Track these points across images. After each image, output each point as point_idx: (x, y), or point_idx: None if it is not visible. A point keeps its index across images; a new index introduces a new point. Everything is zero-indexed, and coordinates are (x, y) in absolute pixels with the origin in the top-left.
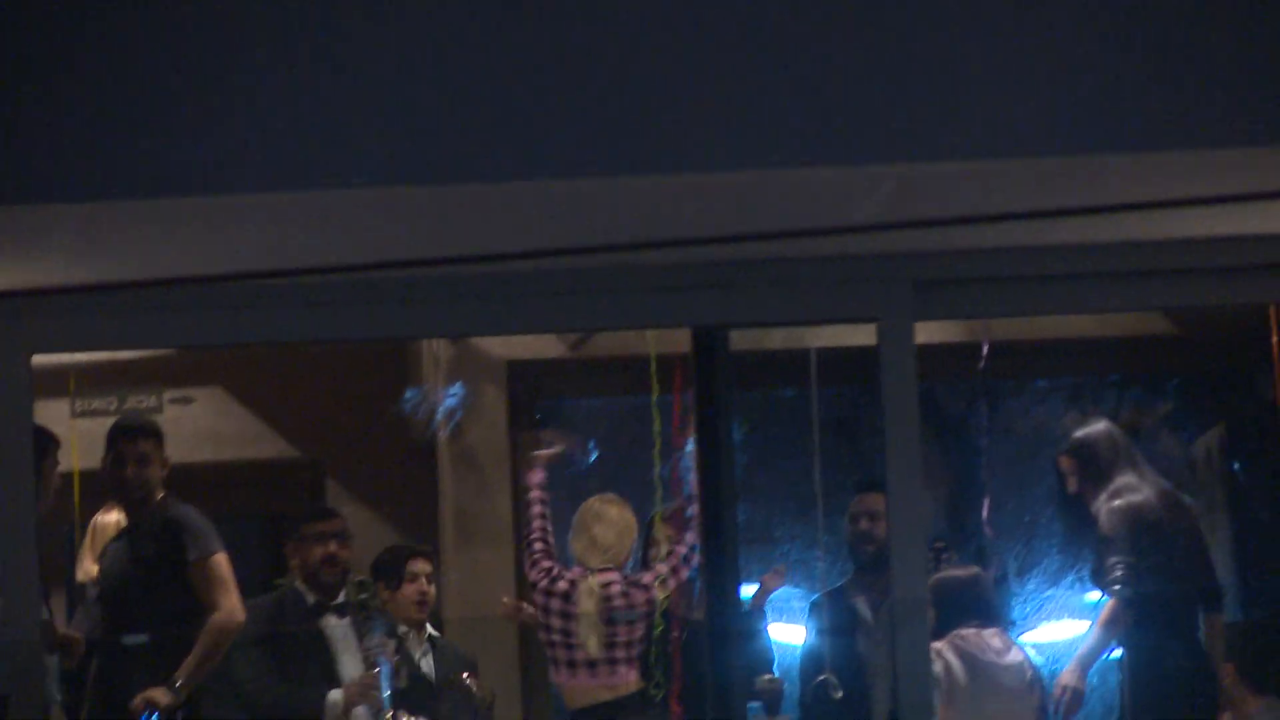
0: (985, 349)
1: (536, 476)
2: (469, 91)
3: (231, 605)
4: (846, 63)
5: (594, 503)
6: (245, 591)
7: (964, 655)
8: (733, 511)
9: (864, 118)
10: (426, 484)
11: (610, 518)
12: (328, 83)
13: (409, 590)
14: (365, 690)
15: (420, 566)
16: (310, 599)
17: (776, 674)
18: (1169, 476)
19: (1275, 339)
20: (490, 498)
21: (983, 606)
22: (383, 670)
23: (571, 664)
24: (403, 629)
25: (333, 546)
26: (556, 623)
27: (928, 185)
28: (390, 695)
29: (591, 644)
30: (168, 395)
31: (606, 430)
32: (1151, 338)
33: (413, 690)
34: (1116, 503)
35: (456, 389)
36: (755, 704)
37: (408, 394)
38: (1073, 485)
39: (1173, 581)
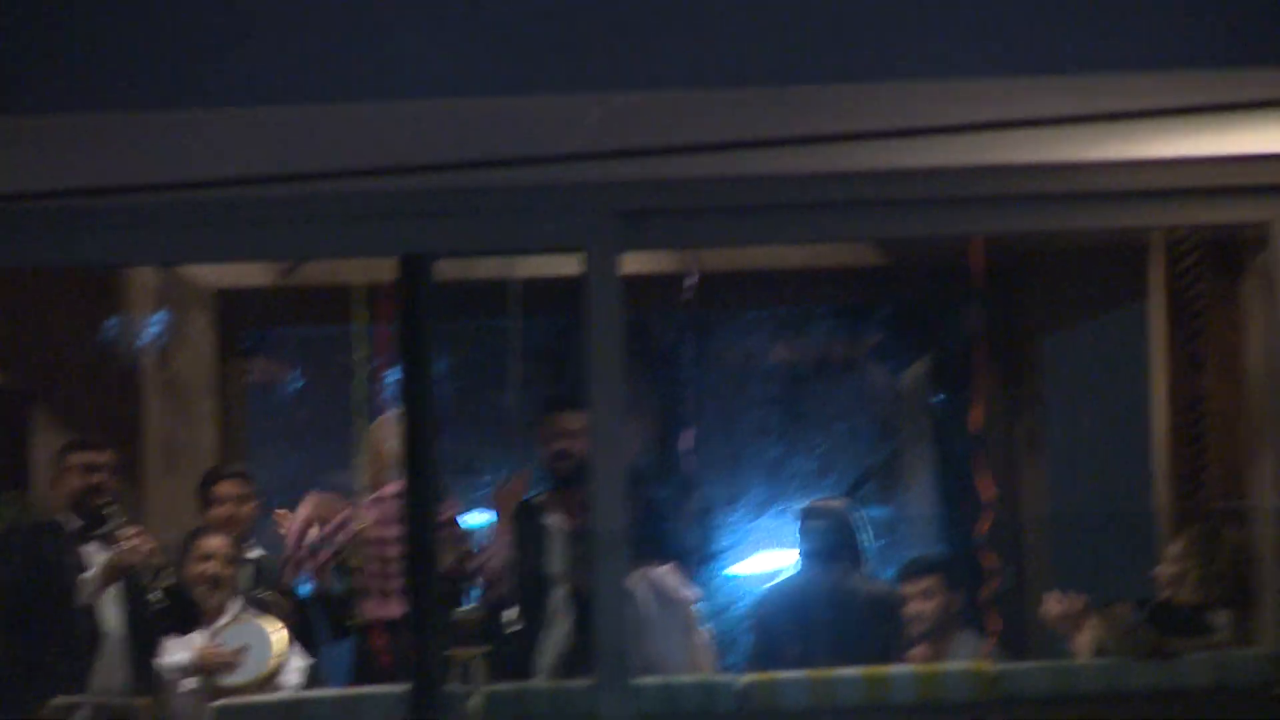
0: (693, 279)
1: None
2: (156, 12)
3: None
4: None
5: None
6: None
7: (655, 590)
8: (435, 440)
9: (571, 47)
10: (130, 412)
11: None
12: None
13: (216, 513)
14: (124, 558)
15: (226, 489)
16: (68, 526)
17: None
18: (878, 407)
19: (978, 271)
20: (196, 426)
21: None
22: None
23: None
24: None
25: (100, 477)
26: None
27: (633, 114)
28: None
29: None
30: None
31: (313, 359)
32: (859, 269)
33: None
34: None
35: (162, 316)
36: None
37: (113, 321)
38: None
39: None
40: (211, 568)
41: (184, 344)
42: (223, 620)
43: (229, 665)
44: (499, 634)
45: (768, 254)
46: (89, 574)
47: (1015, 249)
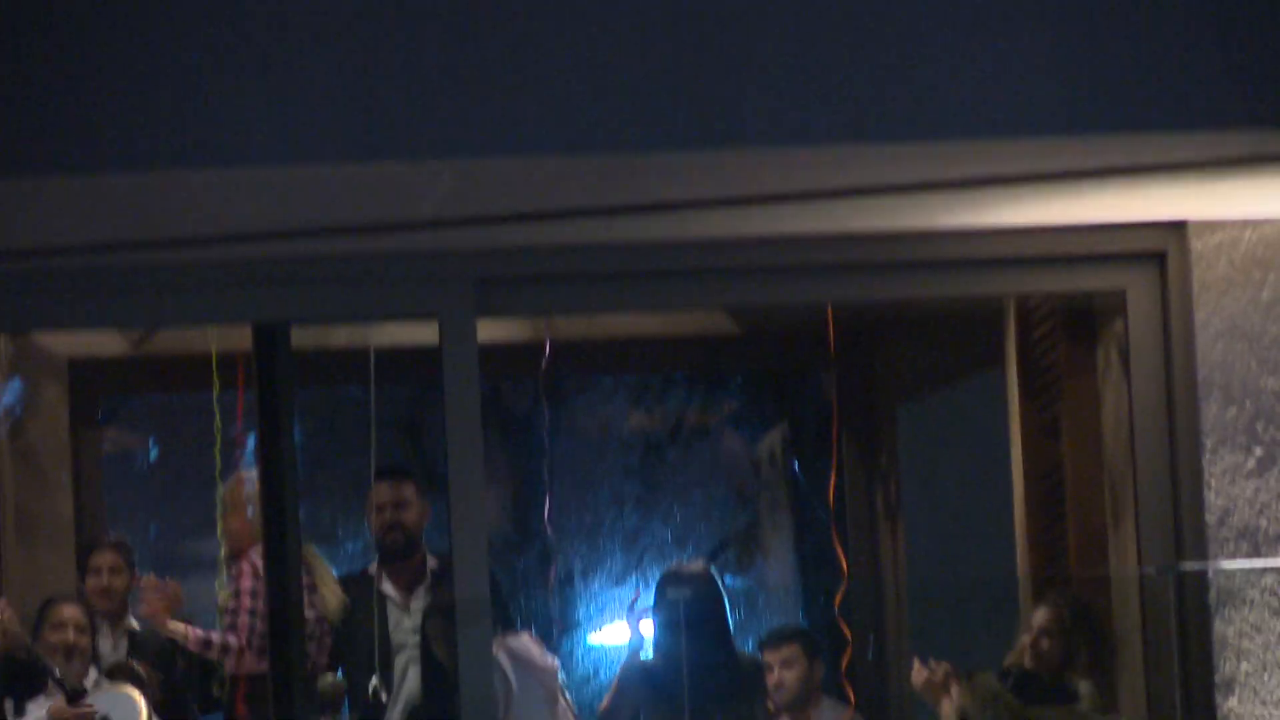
0: (548, 347)
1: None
2: None
3: None
4: (406, 59)
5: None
6: None
7: (514, 658)
8: (295, 509)
9: (424, 112)
10: None
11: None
12: None
13: (91, 584)
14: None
15: (100, 559)
16: None
17: (340, 676)
18: (735, 476)
19: (833, 339)
20: (51, 496)
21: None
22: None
23: None
24: (98, 621)
25: None
26: None
27: (487, 181)
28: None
29: None
30: None
31: (169, 427)
32: (714, 337)
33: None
34: None
35: (14, 385)
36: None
37: None
38: None
39: None
40: (68, 637)
41: (37, 413)
42: (85, 686)
43: None
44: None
45: (623, 321)
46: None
47: (869, 316)
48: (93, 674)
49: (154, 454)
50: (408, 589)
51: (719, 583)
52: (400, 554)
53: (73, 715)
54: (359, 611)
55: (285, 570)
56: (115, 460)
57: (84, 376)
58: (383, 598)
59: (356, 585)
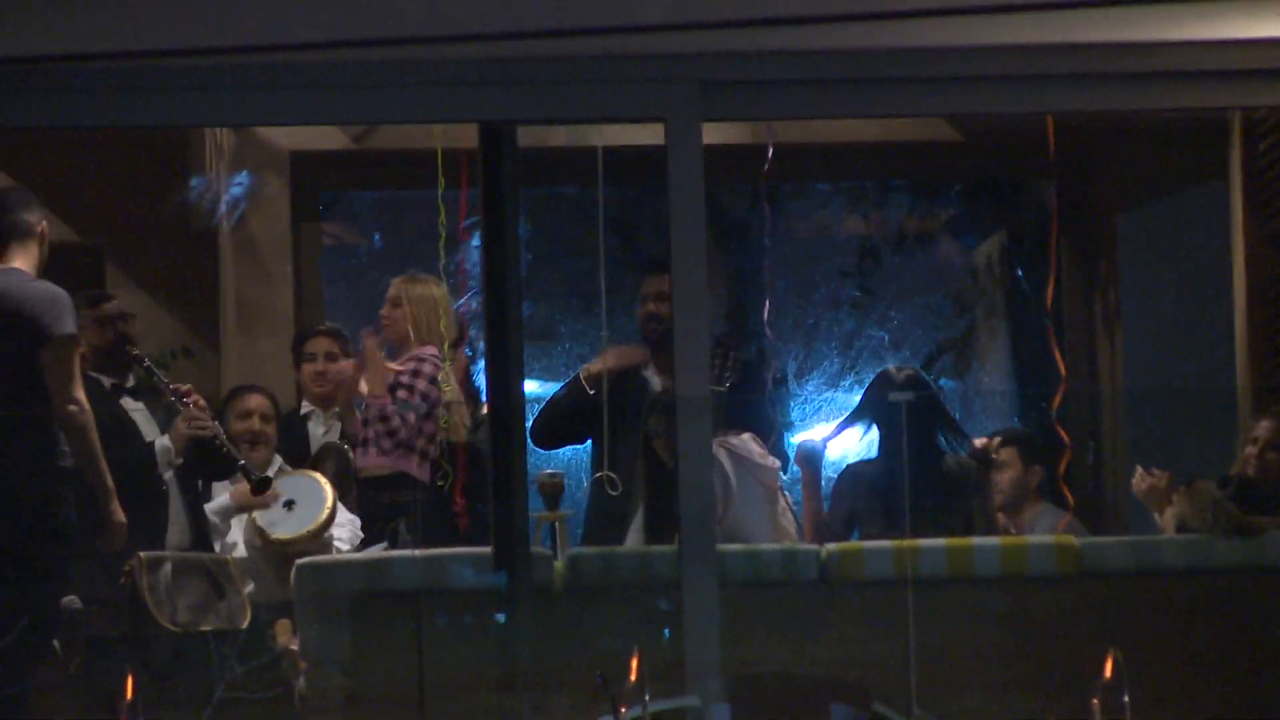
0: (769, 151)
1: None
2: None
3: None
4: None
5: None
6: None
7: (733, 457)
8: (517, 307)
9: None
10: (208, 273)
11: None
12: None
13: (306, 370)
14: (192, 423)
15: (315, 345)
16: (106, 383)
17: (560, 469)
18: (952, 281)
19: (1053, 147)
20: (271, 288)
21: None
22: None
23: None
24: (308, 408)
25: (120, 328)
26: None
27: None
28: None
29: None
30: None
31: (388, 222)
32: (935, 144)
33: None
34: None
35: (240, 178)
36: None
37: (191, 182)
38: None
39: None
40: (254, 425)
41: (259, 205)
42: (270, 474)
43: (268, 507)
44: (583, 497)
45: (844, 127)
46: (162, 443)
47: (1091, 125)
48: (278, 461)
49: (375, 248)
50: (666, 378)
51: (932, 386)
52: (663, 343)
53: (254, 498)
54: (621, 397)
55: (507, 365)
56: (334, 253)
57: (305, 170)
58: (644, 384)
59: (622, 373)
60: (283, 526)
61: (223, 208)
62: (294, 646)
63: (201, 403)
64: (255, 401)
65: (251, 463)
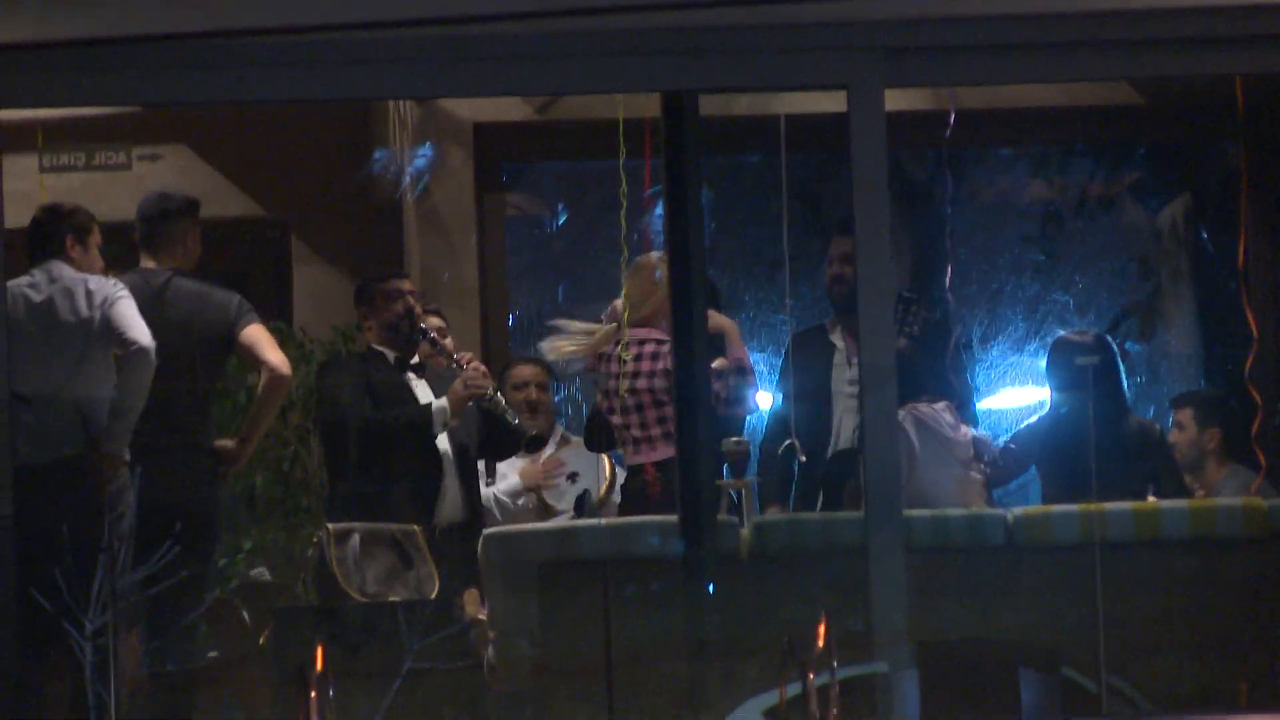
0: (951, 117)
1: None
2: None
3: (280, 359)
4: None
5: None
6: None
7: (920, 426)
8: (701, 275)
9: None
10: (392, 245)
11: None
12: None
13: (515, 397)
14: (469, 384)
15: (525, 374)
16: (391, 357)
17: (744, 436)
18: (1137, 245)
19: (1241, 109)
20: (455, 260)
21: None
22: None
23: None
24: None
25: (408, 303)
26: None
27: None
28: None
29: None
30: (136, 152)
31: (572, 193)
32: (1118, 107)
33: None
34: None
35: (424, 150)
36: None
37: (375, 155)
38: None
39: None
40: (531, 394)
41: (443, 177)
42: (549, 448)
43: (555, 487)
44: (768, 464)
45: (1026, 92)
46: (439, 404)
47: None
48: (559, 430)
49: (561, 219)
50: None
51: (1114, 348)
52: (848, 306)
53: (543, 473)
54: (808, 361)
55: (692, 334)
56: (517, 224)
57: (488, 142)
58: (831, 347)
59: (809, 337)
60: (566, 499)
61: (406, 180)
62: (482, 616)
63: (481, 368)
64: (530, 371)
65: (536, 429)
